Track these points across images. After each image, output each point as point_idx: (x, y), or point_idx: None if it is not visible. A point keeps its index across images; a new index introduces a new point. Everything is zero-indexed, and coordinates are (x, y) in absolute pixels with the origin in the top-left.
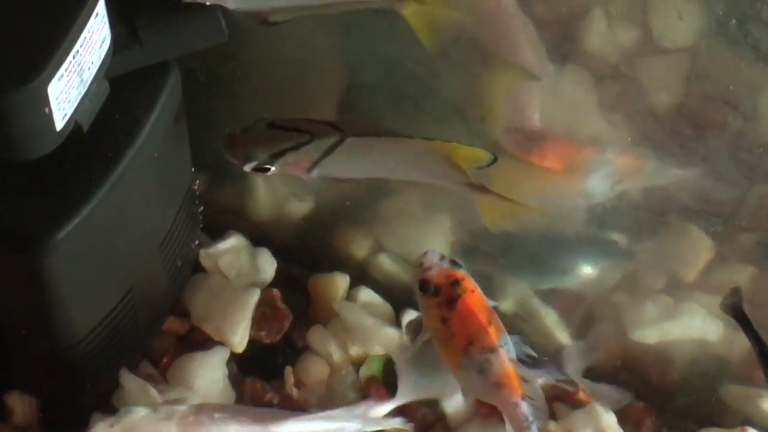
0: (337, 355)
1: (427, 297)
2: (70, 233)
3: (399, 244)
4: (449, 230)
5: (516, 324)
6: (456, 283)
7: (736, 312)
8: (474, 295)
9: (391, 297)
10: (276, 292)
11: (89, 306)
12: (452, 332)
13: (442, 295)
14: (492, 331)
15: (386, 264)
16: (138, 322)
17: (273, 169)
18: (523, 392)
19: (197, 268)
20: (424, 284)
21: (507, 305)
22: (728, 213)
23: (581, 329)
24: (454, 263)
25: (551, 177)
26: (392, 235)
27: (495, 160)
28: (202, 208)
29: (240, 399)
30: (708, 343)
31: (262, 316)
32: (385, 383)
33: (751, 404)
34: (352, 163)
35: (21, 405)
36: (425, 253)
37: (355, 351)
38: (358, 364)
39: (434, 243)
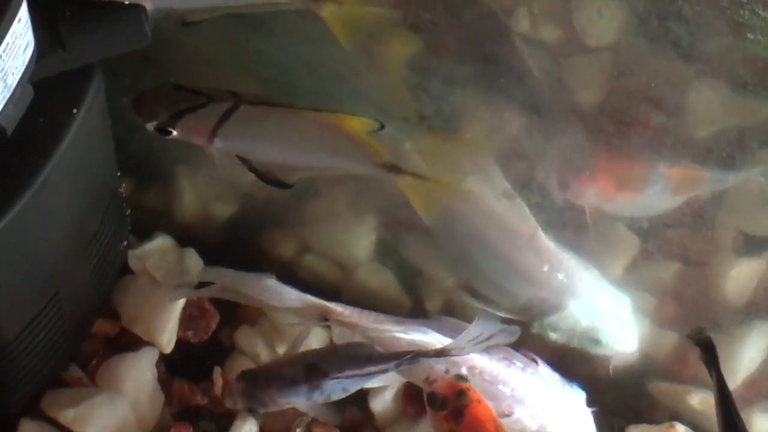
0: (264, 354)
1: (435, 410)
2: None
3: (325, 244)
4: (374, 230)
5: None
6: (462, 393)
7: (707, 347)
8: (480, 405)
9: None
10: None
11: (15, 310)
12: None
13: (450, 407)
14: None
15: (313, 264)
16: (66, 325)
17: (175, 132)
18: None
19: (126, 269)
20: (431, 398)
21: (433, 304)
22: None
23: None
24: (459, 377)
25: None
26: (318, 235)
27: (382, 127)
28: (129, 210)
29: (168, 401)
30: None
31: (190, 316)
32: None
33: (678, 400)
34: (252, 135)
35: None
36: (431, 367)
37: (282, 350)
38: None
39: (360, 243)
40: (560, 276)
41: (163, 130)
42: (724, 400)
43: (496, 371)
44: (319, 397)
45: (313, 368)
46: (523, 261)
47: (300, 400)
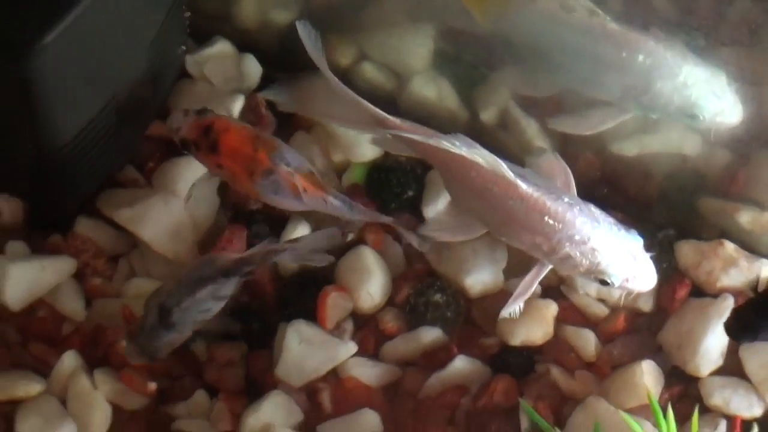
0: (319, 161)
1: (194, 154)
2: (57, 37)
3: (382, 53)
4: (432, 39)
5: (497, 135)
6: (208, 129)
7: None
8: (230, 132)
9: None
10: (260, 97)
11: (75, 110)
12: (232, 172)
13: (203, 146)
14: (262, 155)
15: (369, 72)
16: (123, 126)
17: None
18: (325, 191)
19: (184, 74)
20: (183, 145)
21: (488, 115)
22: (710, 27)
23: (562, 142)
24: (200, 112)
25: None
26: (376, 43)
27: None
28: (189, 14)
29: (223, 205)
30: (686, 157)
31: (247, 122)
32: (366, 190)
33: (727, 218)
34: None
35: (8, 207)
36: (170, 116)
37: (337, 158)
38: (340, 170)
39: (416, 52)
40: (640, 58)
41: None
42: None
43: (542, 201)
44: (184, 330)
45: (162, 309)
46: (602, 52)
47: (173, 339)
